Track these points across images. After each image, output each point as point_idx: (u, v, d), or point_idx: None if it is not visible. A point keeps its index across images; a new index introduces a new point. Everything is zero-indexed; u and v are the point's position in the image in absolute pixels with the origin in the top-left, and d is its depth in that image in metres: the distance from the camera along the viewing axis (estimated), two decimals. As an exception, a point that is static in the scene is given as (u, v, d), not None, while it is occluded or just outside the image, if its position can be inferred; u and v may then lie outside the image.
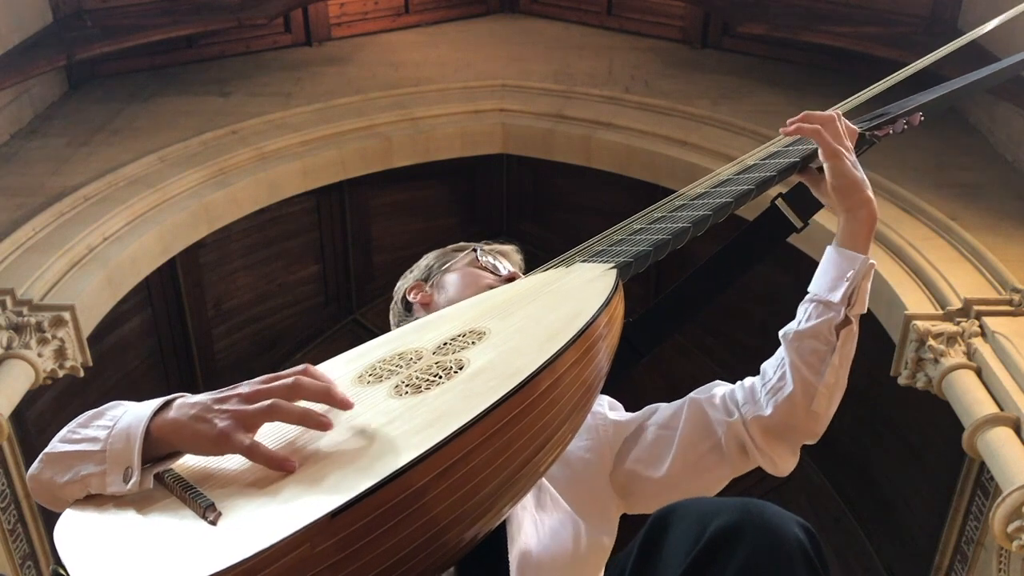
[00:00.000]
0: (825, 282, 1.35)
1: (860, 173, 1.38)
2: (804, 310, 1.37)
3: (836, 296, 1.33)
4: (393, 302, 1.69)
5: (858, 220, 1.37)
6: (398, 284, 1.71)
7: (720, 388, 1.44)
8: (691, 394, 1.44)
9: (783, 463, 1.39)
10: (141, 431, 1.01)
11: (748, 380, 1.41)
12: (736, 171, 1.46)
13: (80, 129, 5.30)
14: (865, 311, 1.35)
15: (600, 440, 1.42)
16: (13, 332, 3.94)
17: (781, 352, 1.37)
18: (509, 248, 1.72)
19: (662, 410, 1.45)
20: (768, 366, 1.39)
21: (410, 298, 1.63)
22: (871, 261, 1.35)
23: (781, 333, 1.37)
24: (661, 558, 1.00)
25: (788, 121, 1.43)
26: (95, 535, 0.96)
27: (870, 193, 1.38)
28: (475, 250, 1.68)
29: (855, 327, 1.34)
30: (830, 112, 1.42)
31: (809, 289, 1.38)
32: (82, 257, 4.37)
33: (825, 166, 1.38)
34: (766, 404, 1.35)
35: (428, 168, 5.69)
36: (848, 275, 1.33)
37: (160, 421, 1.02)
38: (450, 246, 1.74)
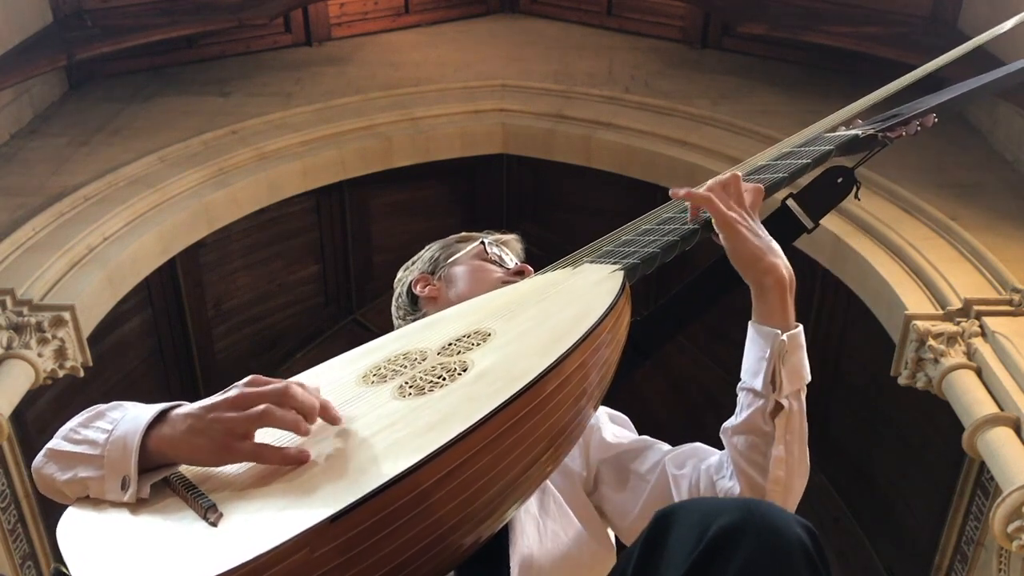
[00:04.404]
0: (748, 365, 1.25)
1: (760, 240, 1.24)
2: (738, 400, 1.26)
3: (758, 383, 1.22)
4: (396, 294, 1.65)
5: (765, 289, 1.24)
6: (399, 275, 1.67)
7: (687, 467, 1.34)
8: (667, 456, 1.37)
9: None
10: (136, 443, 0.99)
11: (715, 458, 1.31)
12: (745, 172, 1.43)
13: (80, 129, 5.29)
14: (806, 382, 1.23)
15: (584, 456, 1.41)
16: (13, 332, 3.94)
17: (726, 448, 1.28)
18: (511, 238, 1.69)
19: (644, 457, 1.39)
20: (723, 456, 1.29)
21: (417, 291, 1.60)
22: (785, 336, 1.21)
23: (721, 429, 1.27)
24: (663, 558, 1.00)
25: (671, 192, 1.30)
26: (97, 534, 0.96)
27: (773, 258, 1.23)
28: (482, 242, 1.64)
29: (795, 406, 1.22)
30: (728, 174, 1.30)
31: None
32: (82, 257, 4.37)
33: (721, 237, 1.26)
34: None
35: (428, 168, 5.69)
36: (765, 355, 1.22)
37: (156, 436, 1.00)
38: (453, 236, 1.71)
